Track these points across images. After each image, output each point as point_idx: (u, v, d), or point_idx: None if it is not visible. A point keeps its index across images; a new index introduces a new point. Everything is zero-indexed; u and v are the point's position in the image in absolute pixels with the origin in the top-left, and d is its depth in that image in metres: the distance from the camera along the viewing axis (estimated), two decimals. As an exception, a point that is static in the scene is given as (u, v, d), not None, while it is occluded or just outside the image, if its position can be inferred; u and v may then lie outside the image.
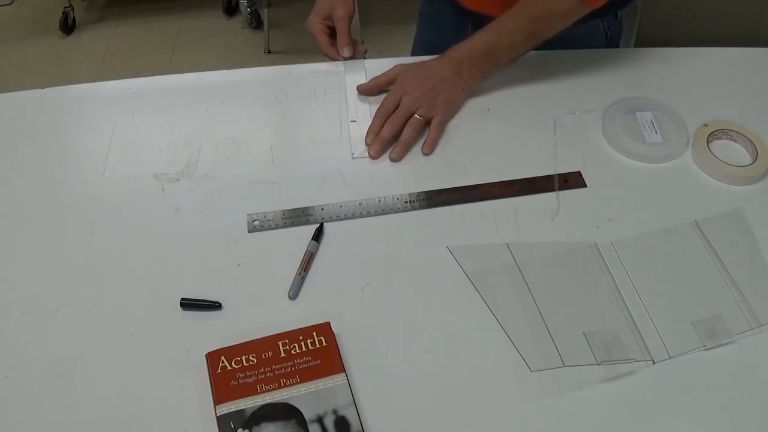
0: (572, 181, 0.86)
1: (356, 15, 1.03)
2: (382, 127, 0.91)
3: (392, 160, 0.89)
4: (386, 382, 0.67)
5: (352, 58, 1.03)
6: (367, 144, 0.90)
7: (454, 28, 1.10)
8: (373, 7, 2.60)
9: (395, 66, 0.97)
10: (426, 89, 0.92)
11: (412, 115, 0.91)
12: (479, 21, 0.97)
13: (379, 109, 0.93)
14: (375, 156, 0.89)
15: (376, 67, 1.01)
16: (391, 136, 0.90)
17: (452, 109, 0.94)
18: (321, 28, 1.03)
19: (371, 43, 1.06)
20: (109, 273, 0.77)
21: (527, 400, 0.66)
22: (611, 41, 1.09)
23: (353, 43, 1.03)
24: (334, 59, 1.03)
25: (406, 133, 0.90)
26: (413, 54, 1.24)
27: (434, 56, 0.96)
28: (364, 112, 0.96)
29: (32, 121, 0.95)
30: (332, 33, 1.04)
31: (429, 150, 0.90)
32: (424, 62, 0.96)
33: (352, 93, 0.98)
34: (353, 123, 0.94)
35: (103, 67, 2.50)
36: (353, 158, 0.90)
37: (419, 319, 0.72)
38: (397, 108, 0.92)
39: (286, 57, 2.53)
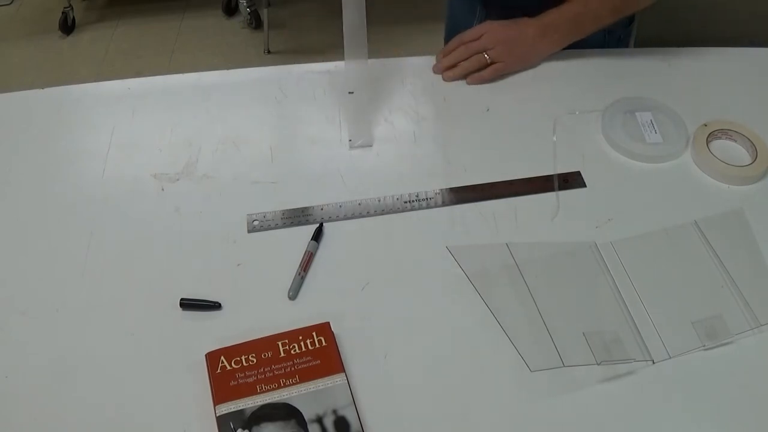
0: (572, 180, 0.86)
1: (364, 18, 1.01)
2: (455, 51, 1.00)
3: (444, 78, 0.99)
4: (386, 382, 0.67)
5: None
6: (438, 60, 1.01)
7: (462, 12, 1.15)
8: (373, 7, 2.60)
9: (486, 22, 1.02)
10: (508, 37, 0.98)
11: (483, 51, 0.98)
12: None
13: (458, 35, 1.01)
14: (438, 71, 1.00)
15: (377, 67, 1.01)
16: (457, 59, 0.99)
17: (522, 64, 0.99)
18: None
19: (371, 43, 1.06)
20: (109, 273, 0.77)
21: (527, 400, 0.66)
22: (611, 35, 1.10)
23: None
24: None
25: (467, 63, 0.98)
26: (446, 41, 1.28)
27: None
28: (362, 82, 0.91)
29: (32, 121, 0.95)
30: None
31: (472, 81, 0.98)
32: (515, 20, 1.00)
33: (350, 62, 0.90)
34: (351, 94, 0.92)
35: (103, 67, 2.50)
36: (351, 147, 0.90)
37: (419, 319, 0.72)
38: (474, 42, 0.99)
39: (286, 57, 2.53)
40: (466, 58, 0.99)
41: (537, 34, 0.98)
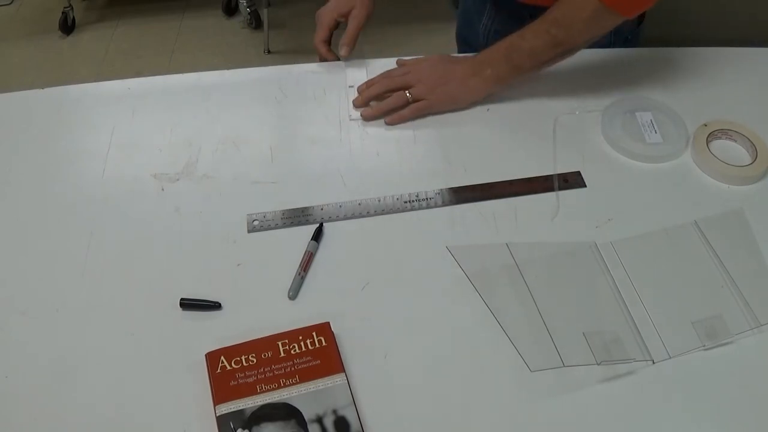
0: (572, 180, 0.86)
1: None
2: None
3: (363, 116, 0.94)
4: (386, 382, 0.67)
5: (347, 59, 1.03)
6: (357, 92, 0.96)
7: (475, 8, 1.15)
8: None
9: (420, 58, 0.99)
10: (435, 76, 0.94)
11: (405, 89, 0.94)
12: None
13: (386, 72, 0.97)
14: (357, 104, 0.95)
15: (377, 66, 1.01)
16: (376, 95, 0.95)
17: (449, 104, 0.95)
18: (329, 21, 1.03)
19: (371, 43, 1.06)
20: (109, 273, 0.77)
21: (527, 400, 0.66)
22: (617, 35, 1.05)
23: (352, 47, 1.02)
24: (321, 55, 1.04)
25: (387, 102, 0.94)
26: (457, 34, 1.28)
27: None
28: (362, 78, 0.98)
29: (32, 121, 0.95)
30: (333, 32, 1.04)
31: (390, 121, 0.93)
32: (455, 57, 0.98)
33: (350, 62, 1.01)
34: (351, 88, 0.97)
35: (103, 67, 2.50)
36: (350, 120, 0.94)
37: (419, 319, 0.72)
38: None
39: (286, 57, 2.53)
40: (388, 94, 0.94)
41: (467, 73, 0.93)
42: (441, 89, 0.93)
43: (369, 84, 0.97)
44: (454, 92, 0.94)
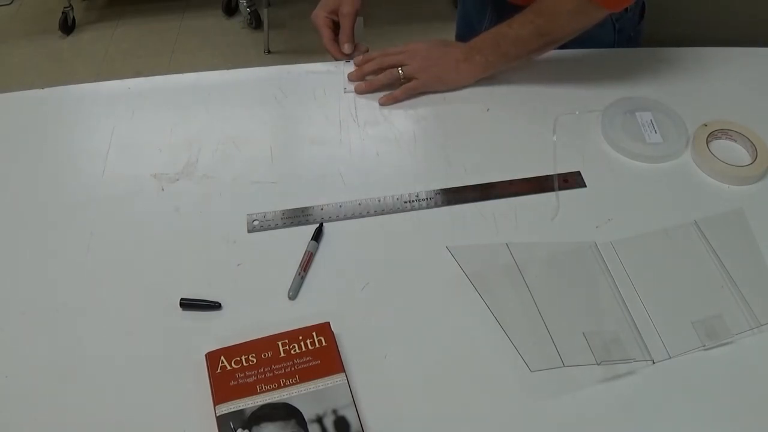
0: (572, 180, 0.86)
1: (360, 19, 1.04)
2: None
3: (356, 90, 0.98)
4: (386, 382, 0.67)
5: (352, 56, 1.03)
6: (355, 65, 1.00)
7: (475, 10, 1.17)
8: (373, 7, 2.60)
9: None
10: (427, 57, 0.97)
11: (400, 66, 0.96)
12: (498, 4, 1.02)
13: (383, 50, 1.00)
14: (351, 78, 0.99)
15: (376, 67, 1.01)
16: (369, 72, 0.99)
17: (438, 84, 0.97)
18: (326, 22, 1.05)
19: (371, 42, 1.06)
20: (109, 273, 0.77)
21: (527, 400, 0.66)
22: (621, 33, 1.08)
23: (353, 43, 1.04)
24: (334, 55, 1.04)
25: (379, 78, 0.97)
26: (457, 36, 1.31)
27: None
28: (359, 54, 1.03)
29: (32, 121, 0.95)
30: (336, 28, 1.06)
31: (383, 101, 0.96)
32: (451, 41, 1.00)
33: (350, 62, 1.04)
34: (348, 63, 1.02)
35: (103, 67, 2.50)
36: (345, 92, 0.98)
37: (419, 319, 0.72)
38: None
39: (285, 57, 2.53)
40: (382, 71, 0.97)
41: (459, 58, 0.95)
42: (433, 70, 0.96)
43: (366, 60, 1.00)
44: (444, 74, 0.96)
